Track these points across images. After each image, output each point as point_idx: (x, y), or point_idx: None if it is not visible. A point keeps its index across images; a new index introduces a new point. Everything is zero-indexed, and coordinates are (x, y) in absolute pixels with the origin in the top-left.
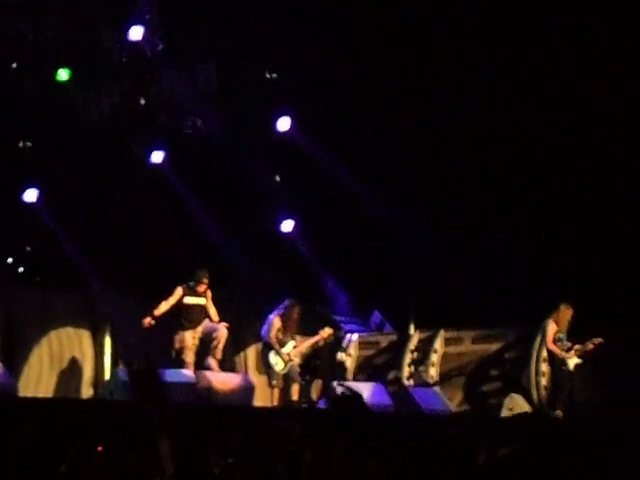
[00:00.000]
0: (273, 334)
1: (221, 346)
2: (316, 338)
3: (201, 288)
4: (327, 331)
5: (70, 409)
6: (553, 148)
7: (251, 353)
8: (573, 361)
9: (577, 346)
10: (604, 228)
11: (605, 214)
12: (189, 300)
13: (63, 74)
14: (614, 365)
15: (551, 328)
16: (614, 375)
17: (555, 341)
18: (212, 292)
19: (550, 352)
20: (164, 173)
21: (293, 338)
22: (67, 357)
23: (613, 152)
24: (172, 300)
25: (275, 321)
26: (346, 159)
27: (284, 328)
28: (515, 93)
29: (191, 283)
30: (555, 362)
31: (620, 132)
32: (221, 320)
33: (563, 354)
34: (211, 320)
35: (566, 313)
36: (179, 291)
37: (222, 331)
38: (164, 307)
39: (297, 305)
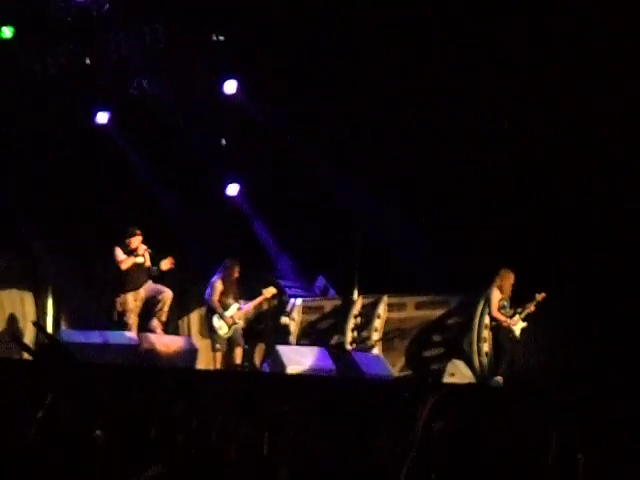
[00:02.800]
0: (216, 297)
1: (166, 309)
2: (260, 299)
3: (134, 243)
4: (270, 290)
5: (11, 370)
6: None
7: (194, 317)
8: (519, 326)
9: (520, 309)
10: (543, 190)
11: (540, 175)
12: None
13: (7, 32)
14: (556, 331)
15: (495, 296)
16: (556, 342)
17: (499, 308)
18: (156, 254)
19: (494, 319)
20: (109, 134)
21: (237, 301)
22: (9, 319)
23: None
24: (127, 258)
25: (217, 284)
26: (293, 123)
27: (227, 290)
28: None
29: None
30: (499, 329)
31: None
32: (165, 284)
33: (508, 321)
34: (153, 278)
35: (508, 278)
36: (118, 251)
37: (167, 294)
38: (130, 261)
39: (236, 263)
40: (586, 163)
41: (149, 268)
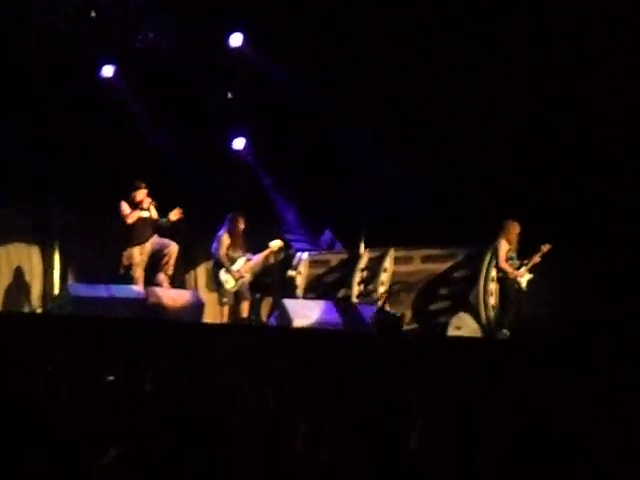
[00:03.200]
0: (222, 251)
1: (172, 262)
2: (266, 252)
3: (139, 196)
4: (277, 243)
5: (19, 323)
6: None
7: (201, 271)
8: (525, 278)
9: (526, 260)
10: (549, 139)
11: (545, 126)
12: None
13: None
14: (561, 283)
15: (503, 247)
16: (561, 293)
17: (507, 260)
18: (162, 207)
19: (501, 271)
20: (115, 87)
21: (244, 254)
22: (16, 272)
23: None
24: (132, 212)
25: (224, 238)
26: (298, 76)
27: (233, 243)
28: None
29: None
30: (506, 281)
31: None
32: (172, 238)
33: (515, 273)
34: (160, 231)
35: (514, 229)
36: (124, 205)
37: (173, 247)
38: (135, 215)
39: (241, 215)
40: (596, 112)
41: (157, 220)
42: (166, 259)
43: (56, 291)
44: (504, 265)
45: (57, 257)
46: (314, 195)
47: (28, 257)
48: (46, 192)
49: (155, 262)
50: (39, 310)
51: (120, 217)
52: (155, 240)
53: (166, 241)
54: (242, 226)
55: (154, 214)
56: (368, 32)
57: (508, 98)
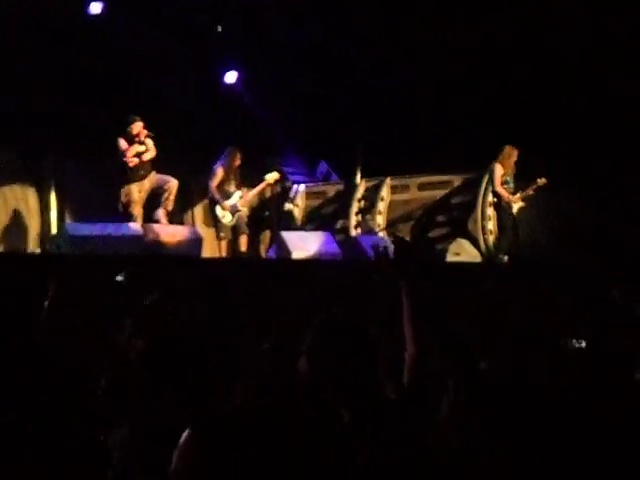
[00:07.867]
0: (214, 184)
1: (172, 197)
2: (263, 185)
3: (135, 129)
4: (273, 176)
5: (18, 263)
6: None
7: (198, 208)
8: (517, 205)
9: (521, 191)
10: (549, 68)
11: (550, 54)
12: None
13: None
14: (558, 205)
15: (498, 170)
16: (559, 215)
17: (502, 184)
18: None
19: (496, 195)
20: (103, 25)
21: (239, 188)
22: (13, 214)
23: None
24: (130, 147)
25: (218, 171)
26: (290, 6)
27: (228, 178)
28: None
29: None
30: (501, 206)
31: None
32: (169, 174)
33: (510, 197)
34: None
35: (512, 154)
36: (122, 141)
37: (172, 182)
38: (133, 150)
39: (237, 150)
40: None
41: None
42: (166, 195)
43: (54, 231)
44: (499, 188)
45: (53, 197)
46: (309, 126)
47: (24, 198)
48: (38, 133)
49: (155, 199)
50: (37, 250)
51: (118, 154)
52: (154, 177)
53: (165, 177)
54: (238, 162)
55: (151, 147)
56: None
57: (511, 20)
